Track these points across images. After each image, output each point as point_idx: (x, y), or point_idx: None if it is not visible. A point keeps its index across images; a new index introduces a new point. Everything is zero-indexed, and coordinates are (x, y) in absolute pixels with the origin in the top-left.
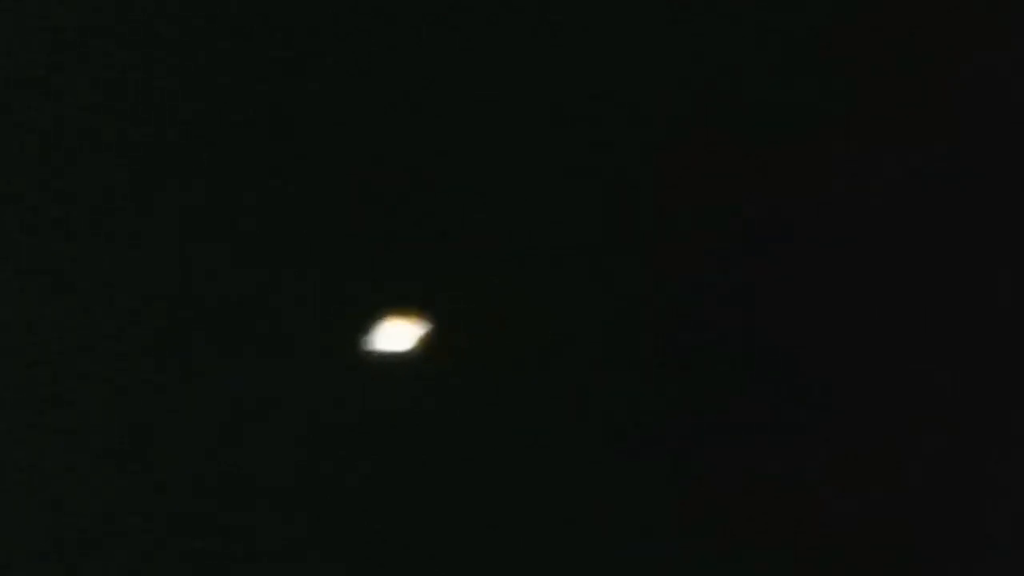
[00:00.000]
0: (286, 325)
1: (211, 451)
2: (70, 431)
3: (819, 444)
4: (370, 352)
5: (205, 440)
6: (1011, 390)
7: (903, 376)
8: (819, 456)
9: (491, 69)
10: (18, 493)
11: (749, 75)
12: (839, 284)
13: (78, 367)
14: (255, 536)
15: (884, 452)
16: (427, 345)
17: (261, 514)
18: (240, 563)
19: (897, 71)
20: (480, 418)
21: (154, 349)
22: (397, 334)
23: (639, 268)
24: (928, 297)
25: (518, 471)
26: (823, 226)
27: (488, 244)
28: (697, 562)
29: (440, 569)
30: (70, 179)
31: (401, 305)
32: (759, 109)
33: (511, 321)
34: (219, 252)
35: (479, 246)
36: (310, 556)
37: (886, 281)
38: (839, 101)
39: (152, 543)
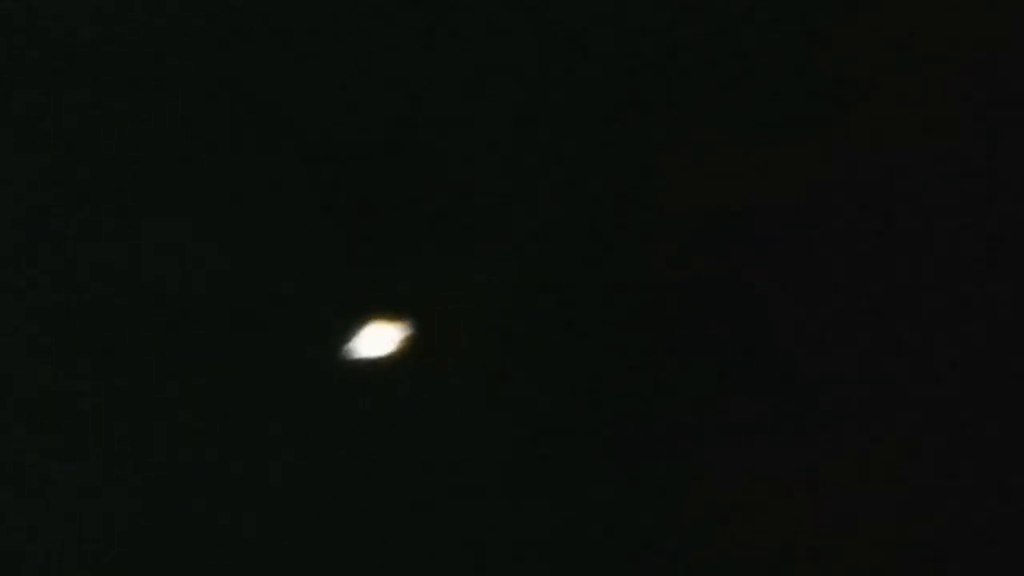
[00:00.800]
0: (270, 327)
1: (195, 452)
2: (64, 430)
3: (819, 444)
4: (353, 355)
5: (187, 442)
6: (1012, 390)
7: (903, 376)
8: (819, 456)
9: (482, 68)
10: (15, 492)
11: (749, 75)
12: (839, 284)
13: (70, 366)
14: (240, 537)
15: (884, 452)
16: (414, 348)
17: (246, 515)
18: (228, 563)
19: (897, 71)
20: (472, 420)
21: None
22: (381, 337)
23: (637, 268)
24: (929, 297)
25: (512, 473)
26: (823, 226)
27: (481, 245)
28: (696, 562)
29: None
30: (68, 178)
31: (386, 308)
32: (759, 109)
33: (505, 322)
34: (202, 253)
35: (469, 247)
36: (296, 557)
37: (887, 281)
38: (839, 101)
39: (142, 543)
